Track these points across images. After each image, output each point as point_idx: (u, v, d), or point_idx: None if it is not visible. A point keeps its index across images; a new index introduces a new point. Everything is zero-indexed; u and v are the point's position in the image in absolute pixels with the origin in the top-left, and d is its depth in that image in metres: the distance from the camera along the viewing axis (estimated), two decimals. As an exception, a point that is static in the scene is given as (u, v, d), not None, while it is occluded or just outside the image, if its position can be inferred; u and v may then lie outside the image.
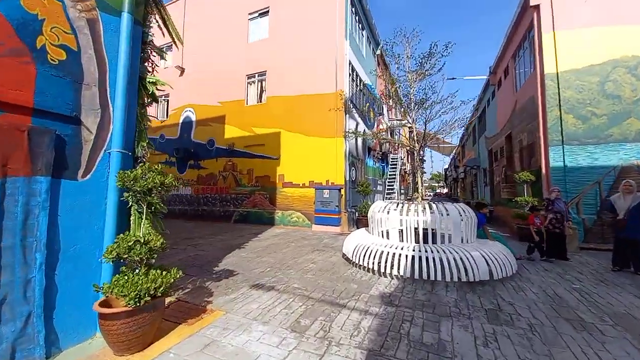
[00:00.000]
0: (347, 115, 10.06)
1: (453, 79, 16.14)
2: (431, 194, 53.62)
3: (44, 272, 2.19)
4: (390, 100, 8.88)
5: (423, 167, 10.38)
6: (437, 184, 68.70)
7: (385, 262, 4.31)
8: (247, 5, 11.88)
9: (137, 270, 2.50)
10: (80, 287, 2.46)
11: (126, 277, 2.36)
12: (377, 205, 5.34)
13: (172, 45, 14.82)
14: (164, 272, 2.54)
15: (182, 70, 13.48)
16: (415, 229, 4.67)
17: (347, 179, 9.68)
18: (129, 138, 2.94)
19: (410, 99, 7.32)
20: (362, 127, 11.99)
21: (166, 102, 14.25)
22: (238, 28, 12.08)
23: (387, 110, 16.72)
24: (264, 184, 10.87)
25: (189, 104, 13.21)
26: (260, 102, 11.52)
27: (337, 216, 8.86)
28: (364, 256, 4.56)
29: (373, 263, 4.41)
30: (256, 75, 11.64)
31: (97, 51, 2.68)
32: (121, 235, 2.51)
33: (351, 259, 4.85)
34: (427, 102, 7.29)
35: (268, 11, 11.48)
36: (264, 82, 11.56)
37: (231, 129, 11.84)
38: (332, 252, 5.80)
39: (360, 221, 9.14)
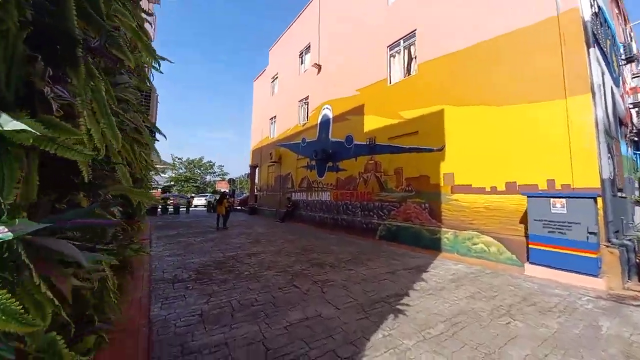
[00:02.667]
0: (590, 51, 5.11)
1: None
2: None
3: None
4: None
5: None
6: None
7: None
8: (388, -44, 9.14)
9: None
10: None
11: None
12: None
13: (309, 46, 14.54)
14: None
15: (319, 68, 12.50)
16: None
17: (606, 176, 4.72)
18: None
19: None
20: (608, 79, 6.29)
21: (306, 105, 13.82)
22: (377, -9, 9.54)
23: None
24: (419, 188, 7.58)
25: (326, 101, 11.98)
26: (409, 74, 8.36)
27: (592, 254, 4.24)
28: None
29: None
30: (401, 41, 8.62)
31: None
32: None
33: None
34: None
35: (417, -52, 8.24)
36: (412, 48, 8.35)
37: (371, 120, 9.38)
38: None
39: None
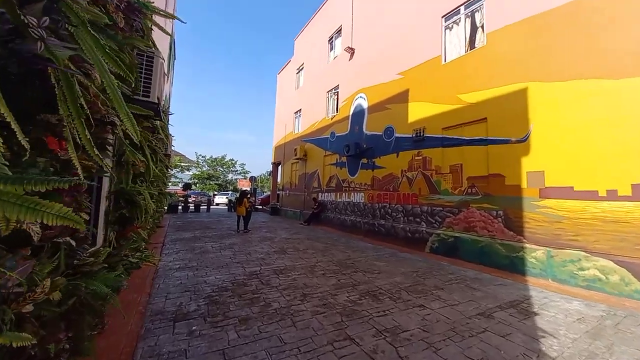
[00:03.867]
0: None
1: None
2: None
3: None
4: None
5: None
6: None
7: None
8: None
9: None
10: None
11: None
12: None
13: (340, 29, 13.11)
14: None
15: (352, 52, 11.07)
16: None
17: None
18: None
19: None
20: None
21: (335, 95, 12.43)
22: (427, -47, 7.94)
23: None
24: (487, 191, 5.95)
25: (360, 89, 10.52)
26: (472, 48, 6.70)
27: None
28: None
29: None
30: (461, 7, 6.97)
31: None
32: None
33: None
34: None
35: None
36: (476, 14, 6.69)
37: (418, 107, 7.81)
38: None
39: None
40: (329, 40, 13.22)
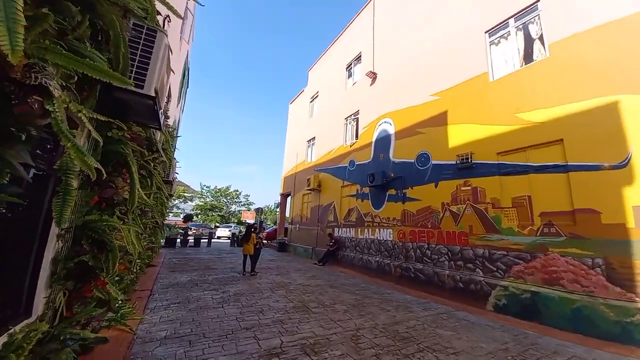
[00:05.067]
0: None
1: None
2: None
3: None
4: None
5: None
6: None
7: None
8: None
9: None
10: None
11: None
12: None
13: (360, 56, 12.73)
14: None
15: (375, 76, 10.45)
16: None
17: None
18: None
19: None
20: None
21: (355, 122, 11.61)
22: (460, -26, 7.52)
23: None
24: (575, 231, 4.57)
25: (384, 114, 9.66)
26: (530, 61, 5.79)
27: None
28: None
29: None
30: (511, 20, 6.23)
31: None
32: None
33: None
34: None
35: None
36: (532, 26, 5.90)
37: (461, 130, 6.77)
38: None
39: None
40: (347, 68, 12.81)
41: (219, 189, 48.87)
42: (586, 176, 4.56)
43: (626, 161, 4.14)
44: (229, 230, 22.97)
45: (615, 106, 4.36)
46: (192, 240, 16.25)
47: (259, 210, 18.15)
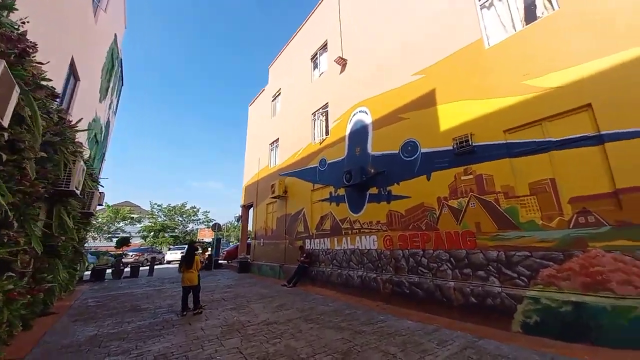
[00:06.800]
0: None
1: None
2: None
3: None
4: None
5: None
6: None
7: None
8: None
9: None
10: None
11: None
12: None
13: (326, 44, 11.27)
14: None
15: (344, 63, 9.23)
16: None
17: None
18: None
19: None
20: None
21: (324, 116, 10.21)
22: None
23: None
24: (621, 217, 3.48)
25: (358, 103, 8.39)
26: (534, 19, 4.85)
27: None
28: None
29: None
30: (501, -17, 5.37)
31: None
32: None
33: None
34: None
35: None
36: (525, -13, 5.05)
37: (454, 109, 5.66)
38: None
39: None
40: (312, 59, 11.50)
41: (173, 207, 44.11)
42: (629, 146, 3.54)
43: (690, 120, 3.17)
44: (182, 253, 19.75)
45: (661, 55, 3.44)
46: (130, 269, 13.19)
47: (217, 226, 15.59)
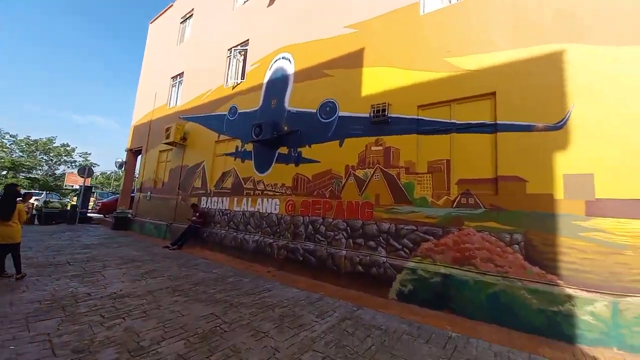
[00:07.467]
0: None
1: None
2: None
3: None
4: None
5: None
6: None
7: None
8: None
9: None
10: None
11: None
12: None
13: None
14: None
15: (273, -6, 7.66)
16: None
17: None
18: None
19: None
20: None
21: (242, 56, 8.56)
22: None
23: None
24: (496, 202, 3.83)
25: (283, 47, 7.18)
26: (465, -1, 4.72)
27: None
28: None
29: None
30: (448, -55, 4.97)
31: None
32: None
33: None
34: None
35: None
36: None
37: (379, 75, 5.27)
38: None
39: None
40: (236, -21, 9.27)
41: (34, 141, 33.66)
42: (516, 138, 3.81)
43: (563, 122, 3.51)
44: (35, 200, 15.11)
45: (559, 57, 3.66)
46: None
47: (85, 171, 12.04)
